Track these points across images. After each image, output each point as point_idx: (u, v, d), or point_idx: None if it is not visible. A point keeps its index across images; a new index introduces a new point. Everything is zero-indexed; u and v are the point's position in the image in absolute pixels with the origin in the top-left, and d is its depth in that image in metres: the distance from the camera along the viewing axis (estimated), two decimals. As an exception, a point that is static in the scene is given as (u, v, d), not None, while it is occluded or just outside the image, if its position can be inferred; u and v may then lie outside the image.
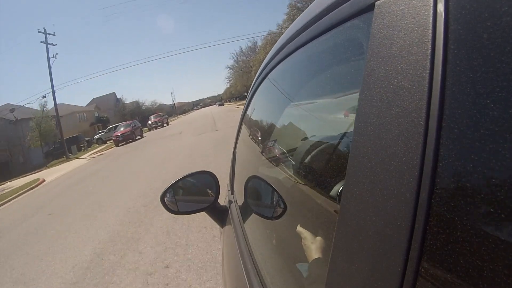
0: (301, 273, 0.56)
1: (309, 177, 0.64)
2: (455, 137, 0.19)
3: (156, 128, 27.45)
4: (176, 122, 33.08)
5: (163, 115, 31.32)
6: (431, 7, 0.22)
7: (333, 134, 0.69)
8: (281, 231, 0.74)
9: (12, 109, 24.58)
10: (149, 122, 28.83)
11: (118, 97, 54.55)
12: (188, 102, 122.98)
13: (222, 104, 64.90)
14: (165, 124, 29.48)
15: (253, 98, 1.01)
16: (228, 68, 53.67)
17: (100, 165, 11.39)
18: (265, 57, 0.75)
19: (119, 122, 28.27)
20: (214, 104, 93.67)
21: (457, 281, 0.19)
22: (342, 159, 0.52)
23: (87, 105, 47.81)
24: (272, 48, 0.73)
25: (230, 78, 55.48)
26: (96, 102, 48.89)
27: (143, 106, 55.57)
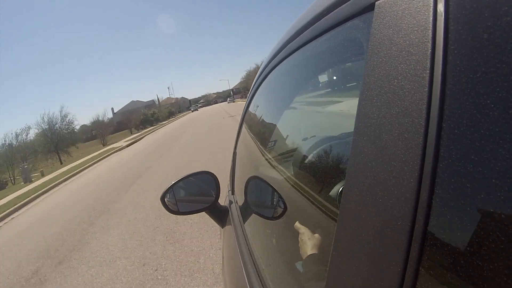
0: (301, 273, 0.56)
1: (309, 178, 0.64)
2: (455, 137, 0.19)
3: None
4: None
5: None
6: (431, 7, 0.22)
7: (333, 134, 0.69)
8: (281, 231, 0.74)
9: None
10: None
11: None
12: (183, 98, 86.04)
13: None
14: None
15: (253, 98, 1.01)
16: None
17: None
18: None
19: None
20: (227, 101, 50.53)
21: (457, 281, 0.19)
22: (342, 160, 0.52)
23: None
24: (272, 49, 0.73)
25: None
26: None
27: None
